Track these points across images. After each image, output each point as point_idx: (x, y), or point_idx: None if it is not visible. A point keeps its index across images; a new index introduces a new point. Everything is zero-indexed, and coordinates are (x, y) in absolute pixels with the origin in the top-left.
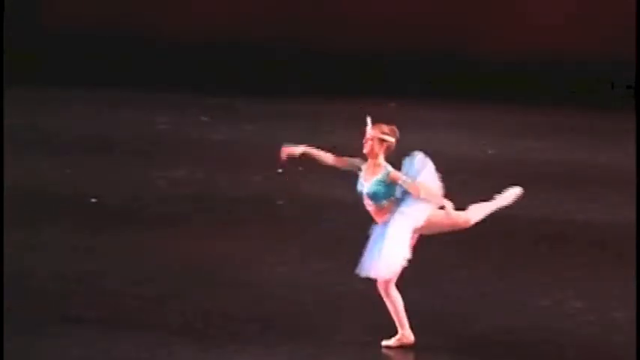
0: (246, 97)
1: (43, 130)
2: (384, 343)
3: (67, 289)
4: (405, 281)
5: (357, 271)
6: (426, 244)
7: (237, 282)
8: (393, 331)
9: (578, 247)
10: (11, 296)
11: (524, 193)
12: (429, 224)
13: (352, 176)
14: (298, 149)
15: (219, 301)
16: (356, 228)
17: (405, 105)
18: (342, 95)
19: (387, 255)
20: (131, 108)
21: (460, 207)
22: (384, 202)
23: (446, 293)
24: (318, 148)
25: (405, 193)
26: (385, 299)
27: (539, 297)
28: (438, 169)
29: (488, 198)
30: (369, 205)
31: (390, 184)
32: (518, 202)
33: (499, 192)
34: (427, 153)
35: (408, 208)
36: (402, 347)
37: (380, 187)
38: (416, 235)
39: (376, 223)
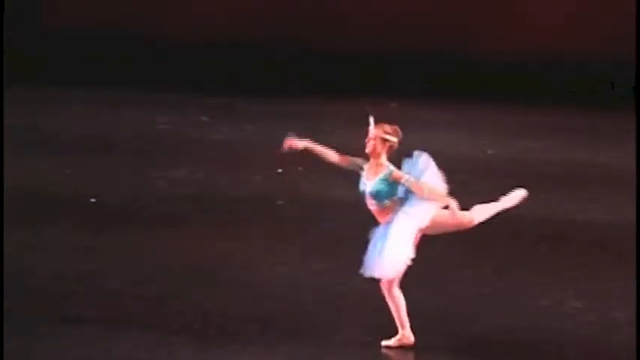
0: (246, 97)
1: (43, 130)
2: (384, 343)
3: (67, 289)
4: (404, 281)
5: (361, 271)
6: (426, 244)
7: (237, 282)
8: (393, 331)
9: (578, 247)
10: (11, 296)
11: (527, 195)
12: (433, 224)
13: (352, 176)
14: (301, 143)
15: (219, 301)
16: (356, 228)
17: (405, 105)
18: (342, 95)
19: (390, 255)
20: (131, 108)
21: (460, 207)
22: (387, 202)
23: (445, 293)
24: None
25: (409, 193)
26: (388, 299)
27: (539, 297)
28: (439, 169)
29: (488, 198)
30: (372, 204)
31: (392, 184)
32: (518, 203)
33: (499, 192)
34: (427, 153)
35: (411, 208)
36: (401, 347)
37: (383, 186)
38: (419, 235)
39: (379, 223)
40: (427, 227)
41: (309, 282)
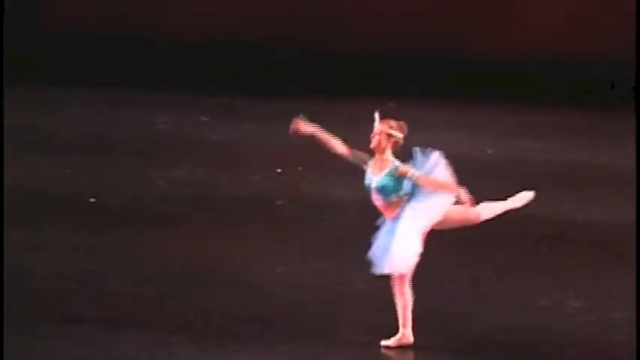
0: (246, 97)
1: (43, 130)
2: (383, 343)
3: (67, 289)
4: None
5: (372, 269)
6: (426, 244)
7: (237, 282)
8: (393, 331)
9: (578, 247)
10: (11, 296)
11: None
12: (443, 219)
13: (352, 176)
14: (310, 128)
15: (219, 301)
16: (356, 228)
17: (405, 105)
18: (342, 95)
19: (399, 250)
20: (131, 108)
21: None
22: (393, 197)
23: (445, 293)
24: (319, 147)
25: (415, 189)
26: (397, 296)
27: (539, 297)
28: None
29: (488, 198)
30: (378, 200)
31: (398, 179)
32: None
33: (499, 192)
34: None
35: (419, 203)
36: (401, 347)
37: (388, 181)
38: (427, 230)
39: (379, 224)
40: (437, 222)
41: (309, 282)
